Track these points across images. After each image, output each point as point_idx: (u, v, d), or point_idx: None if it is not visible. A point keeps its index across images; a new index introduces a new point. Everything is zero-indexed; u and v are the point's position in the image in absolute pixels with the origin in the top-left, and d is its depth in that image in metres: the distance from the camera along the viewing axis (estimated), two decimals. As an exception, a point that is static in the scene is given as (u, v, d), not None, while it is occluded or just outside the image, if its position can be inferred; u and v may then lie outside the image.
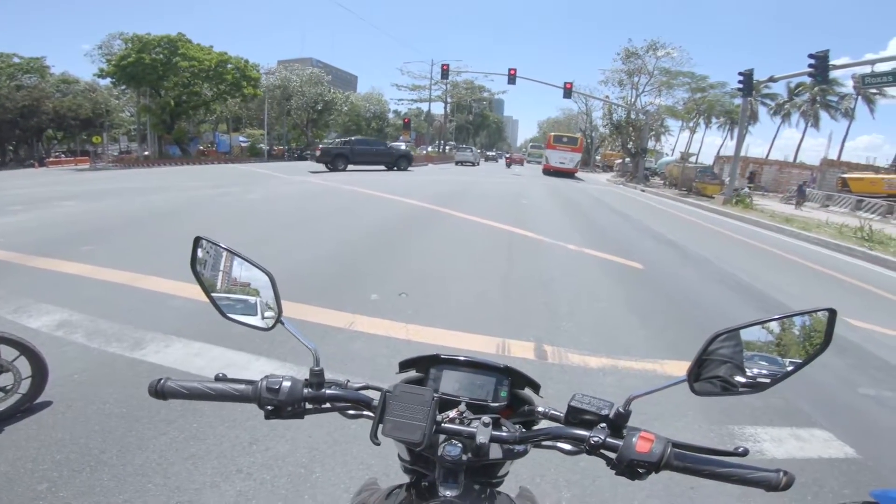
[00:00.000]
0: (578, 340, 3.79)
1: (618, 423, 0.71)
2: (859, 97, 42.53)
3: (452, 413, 0.76)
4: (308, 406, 0.79)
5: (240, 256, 0.87)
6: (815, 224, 13.88)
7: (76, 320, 3.55)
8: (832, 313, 0.68)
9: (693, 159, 39.87)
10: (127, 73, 26.31)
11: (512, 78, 27.69)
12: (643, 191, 25.64)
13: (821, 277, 7.57)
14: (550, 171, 33.01)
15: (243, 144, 37.55)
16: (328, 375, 0.81)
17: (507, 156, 53.67)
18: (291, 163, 31.11)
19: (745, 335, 0.71)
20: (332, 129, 54.37)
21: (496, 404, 0.80)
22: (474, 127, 72.11)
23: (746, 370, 0.70)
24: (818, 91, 42.83)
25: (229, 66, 29.50)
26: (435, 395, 0.71)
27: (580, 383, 3.10)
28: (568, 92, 28.95)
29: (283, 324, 0.84)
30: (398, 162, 25.58)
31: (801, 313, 0.70)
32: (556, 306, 4.63)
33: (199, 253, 0.87)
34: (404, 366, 0.87)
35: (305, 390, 0.78)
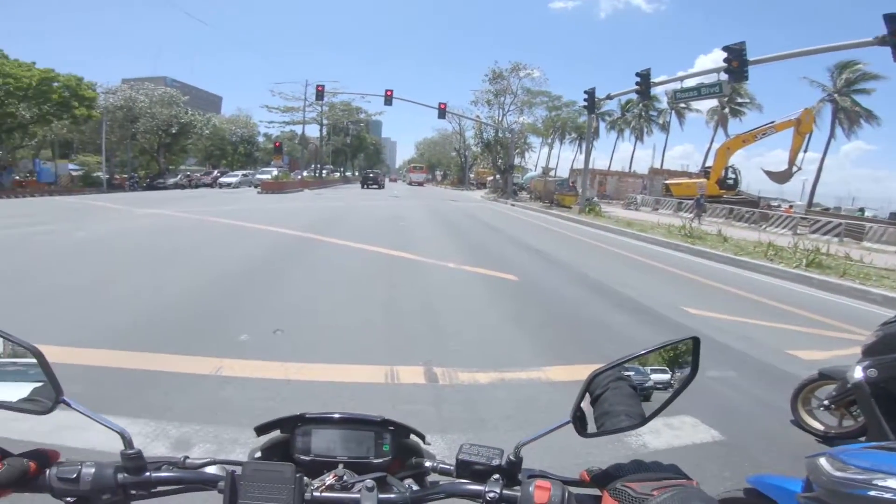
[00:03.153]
0: (467, 358, 3.83)
1: (512, 471, 0.68)
2: (673, 111, 51.23)
3: (329, 478, 0.65)
4: (133, 492, 0.64)
5: None
6: (649, 226, 16.25)
7: None
8: (696, 341, 0.71)
9: (553, 173, 44.45)
10: (-86, 91, 21.04)
11: (388, 99, 27.73)
12: (513, 205, 27.66)
13: (659, 272, 8.83)
14: (413, 184, 61.23)
15: (74, 173, 31.92)
16: (161, 451, 0.66)
17: (389, 176, 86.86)
18: (138, 193, 27.33)
19: (622, 370, 0.71)
20: (190, 154, 49.14)
21: (379, 460, 0.71)
22: (352, 149, 70.88)
23: (625, 406, 0.70)
24: (642, 107, 50.71)
25: (56, 84, 25.20)
26: (298, 470, 0.61)
27: (474, 401, 3.11)
28: (442, 112, 30.17)
29: (67, 403, 0.65)
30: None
31: (669, 344, 0.73)
32: (442, 326, 4.65)
33: None
34: (262, 430, 0.73)
35: (120, 476, 0.62)
